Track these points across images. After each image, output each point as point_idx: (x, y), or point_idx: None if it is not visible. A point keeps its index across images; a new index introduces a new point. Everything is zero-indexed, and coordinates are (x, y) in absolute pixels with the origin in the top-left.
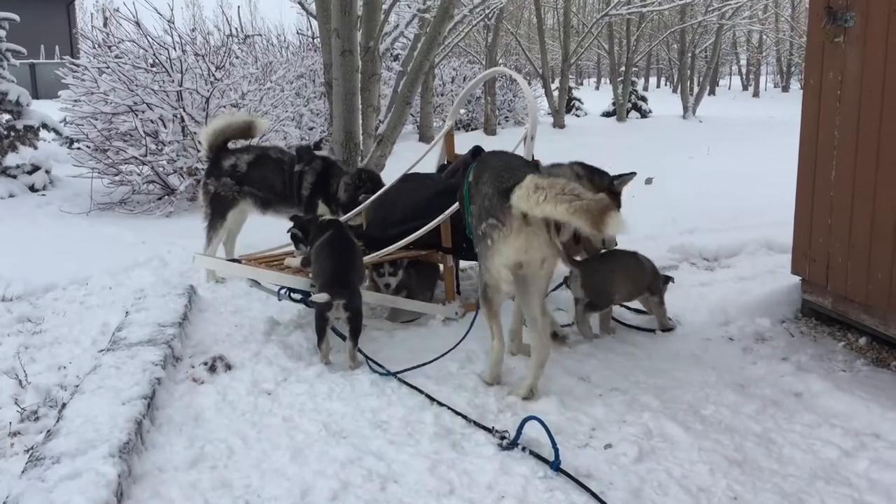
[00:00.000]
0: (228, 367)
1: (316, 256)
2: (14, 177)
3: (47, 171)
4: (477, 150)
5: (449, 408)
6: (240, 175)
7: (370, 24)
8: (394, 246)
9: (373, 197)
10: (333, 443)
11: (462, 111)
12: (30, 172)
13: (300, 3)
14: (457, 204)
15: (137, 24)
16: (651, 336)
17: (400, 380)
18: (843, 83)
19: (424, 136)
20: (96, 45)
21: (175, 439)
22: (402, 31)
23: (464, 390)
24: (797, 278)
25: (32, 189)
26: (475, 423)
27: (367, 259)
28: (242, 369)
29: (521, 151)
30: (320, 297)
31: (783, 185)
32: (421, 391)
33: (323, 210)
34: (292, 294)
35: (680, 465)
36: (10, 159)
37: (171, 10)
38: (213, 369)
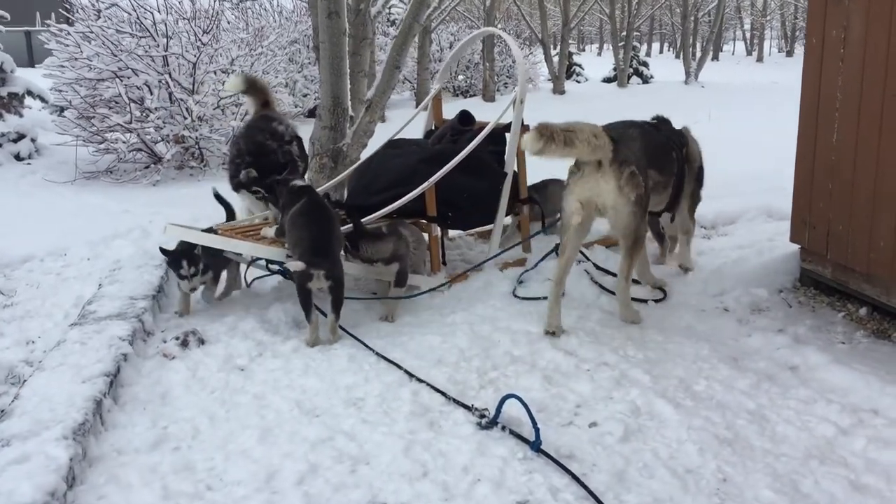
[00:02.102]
0: (202, 341)
1: (291, 225)
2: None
3: (33, 140)
4: (464, 115)
5: (428, 384)
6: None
7: None
8: (376, 214)
9: (355, 165)
10: (305, 422)
11: (460, 77)
12: (15, 141)
13: None
14: (443, 170)
15: None
16: (643, 307)
17: (378, 354)
18: (846, 41)
19: (421, 102)
20: (79, 9)
21: (138, 419)
22: None
23: (444, 365)
24: (796, 246)
25: (18, 158)
26: (454, 400)
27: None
28: (216, 344)
29: (510, 115)
30: (296, 265)
31: (785, 151)
32: (399, 366)
33: None
34: (269, 265)
35: (667, 444)
36: None
37: None
38: (185, 344)
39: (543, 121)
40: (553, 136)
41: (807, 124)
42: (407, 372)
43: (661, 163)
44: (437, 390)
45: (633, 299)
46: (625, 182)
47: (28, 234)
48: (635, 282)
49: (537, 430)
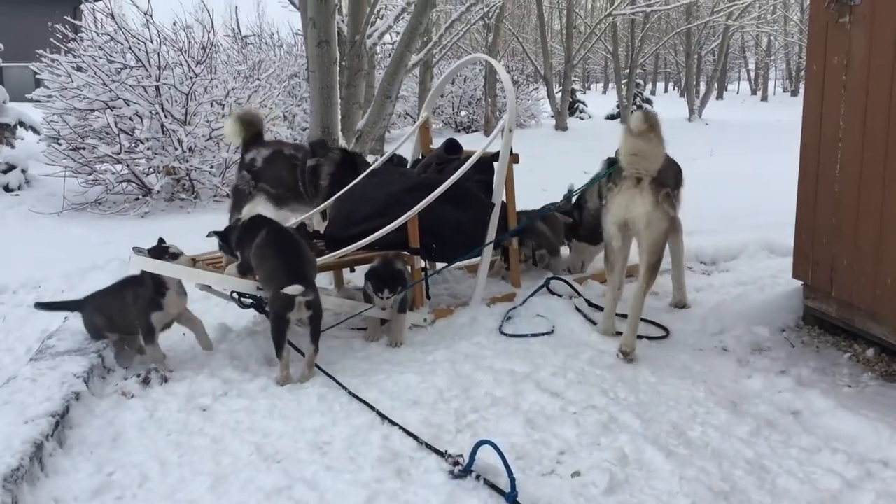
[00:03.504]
0: (164, 379)
1: (259, 260)
2: None
3: (23, 171)
4: (451, 144)
5: (400, 427)
6: (256, 170)
7: (356, 17)
8: (353, 246)
9: (338, 194)
10: (263, 468)
11: (462, 113)
12: (5, 171)
13: None
14: (426, 200)
15: (112, 16)
16: (639, 345)
17: (351, 394)
18: (849, 68)
19: (427, 124)
20: (69, 40)
21: (82, 464)
22: (391, 24)
23: (421, 406)
24: (799, 283)
25: (7, 189)
26: (427, 445)
27: (320, 261)
28: (180, 382)
29: (497, 144)
30: (294, 288)
31: (787, 186)
32: (372, 407)
33: None
34: (242, 298)
35: (657, 497)
36: None
37: (149, 4)
38: (146, 381)
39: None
40: (652, 126)
41: (808, 156)
42: (379, 413)
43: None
44: (410, 434)
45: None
46: (662, 199)
47: (3, 265)
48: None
49: (513, 481)
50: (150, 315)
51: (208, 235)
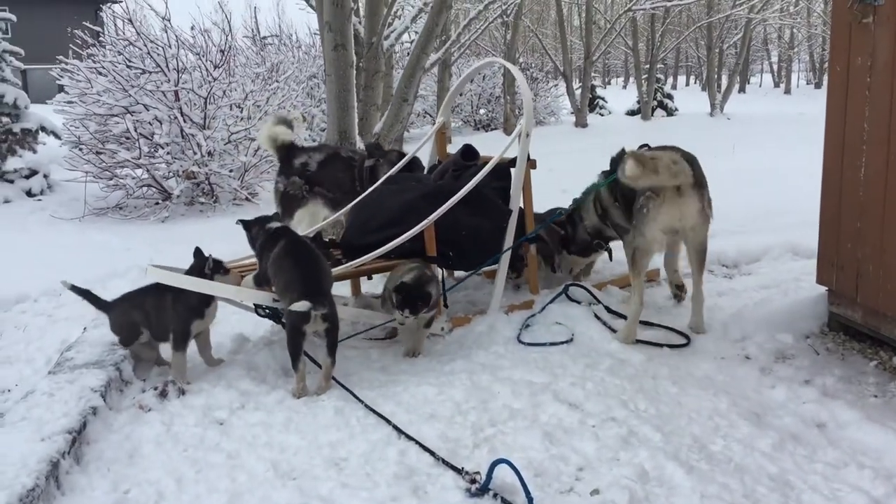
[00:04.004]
0: (182, 391)
1: (276, 270)
2: (11, 181)
3: (45, 176)
4: (467, 150)
5: (417, 442)
6: (310, 174)
7: (373, 19)
8: (370, 255)
9: (353, 202)
10: (279, 485)
11: (482, 111)
12: (27, 177)
13: None
14: (443, 208)
15: (131, 21)
16: (659, 352)
17: (368, 407)
18: (873, 69)
19: (444, 129)
20: (88, 45)
21: (99, 481)
22: (408, 25)
23: (437, 420)
24: (823, 288)
25: (29, 194)
26: (443, 461)
27: (336, 271)
28: (197, 394)
29: (514, 150)
30: (301, 304)
31: (811, 184)
32: (388, 421)
33: None
34: (258, 310)
35: None
36: (10, 163)
37: (167, 7)
38: (163, 394)
39: (632, 150)
40: (645, 165)
41: (832, 159)
42: (396, 427)
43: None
44: (427, 449)
45: (649, 343)
46: (706, 203)
47: (25, 273)
48: (652, 324)
49: (531, 501)
50: (190, 322)
51: (237, 222)
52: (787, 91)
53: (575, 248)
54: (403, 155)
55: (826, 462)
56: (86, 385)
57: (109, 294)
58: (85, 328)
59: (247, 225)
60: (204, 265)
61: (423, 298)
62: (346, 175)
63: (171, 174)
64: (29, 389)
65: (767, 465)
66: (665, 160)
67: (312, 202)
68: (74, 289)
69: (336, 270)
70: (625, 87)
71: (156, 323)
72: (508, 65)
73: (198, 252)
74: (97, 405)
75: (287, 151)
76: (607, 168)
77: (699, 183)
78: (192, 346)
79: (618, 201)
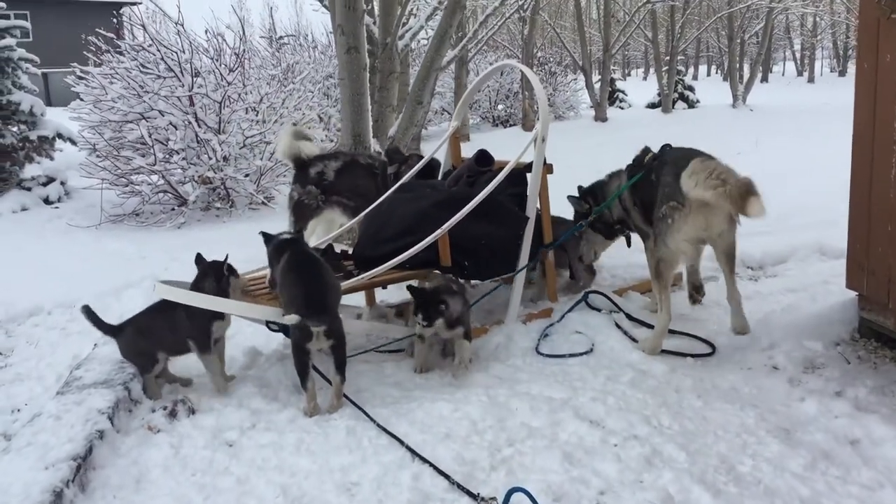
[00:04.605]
0: (192, 410)
1: (281, 284)
2: (29, 189)
3: (62, 183)
4: (482, 155)
5: (431, 464)
6: (327, 183)
7: (387, 19)
8: (383, 266)
9: (364, 211)
10: None
11: (500, 106)
12: (44, 184)
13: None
14: (457, 216)
15: (144, 27)
16: (683, 363)
17: (381, 427)
18: None
19: (458, 133)
20: (102, 52)
21: None
22: (423, 25)
23: (453, 440)
24: (853, 292)
25: (47, 201)
26: (459, 486)
27: (348, 284)
28: (208, 413)
29: (530, 154)
30: (290, 318)
31: (837, 180)
32: (402, 442)
33: None
34: (269, 325)
35: None
36: (28, 171)
37: (180, 12)
38: (173, 414)
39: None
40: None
41: (861, 160)
42: (409, 449)
43: None
44: (442, 473)
45: (672, 353)
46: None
47: (39, 284)
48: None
49: None
50: (211, 324)
51: (260, 233)
52: (811, 80)
53: (600, 226)
54: (421, 157)
55: (861, 483)
56: (93, 407)
57: (123, 306)
58: (96, 344)
59: (267, 238)
60: (207, 273)
61: (437, 307)
62: (368, 182)
63: (186, 179)
64: (36, 412)
65: (799, 487)
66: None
67: (329, 211)
68: (87, 312)
69: (350, 282)
70: (645, 78)
71: (172, 340)
72: (524, 67)
73: (199, 259)
74: (104, 428)
75: (305, 161)
76: (631, 163)
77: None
78: (201, 366)
79: (637, 206)
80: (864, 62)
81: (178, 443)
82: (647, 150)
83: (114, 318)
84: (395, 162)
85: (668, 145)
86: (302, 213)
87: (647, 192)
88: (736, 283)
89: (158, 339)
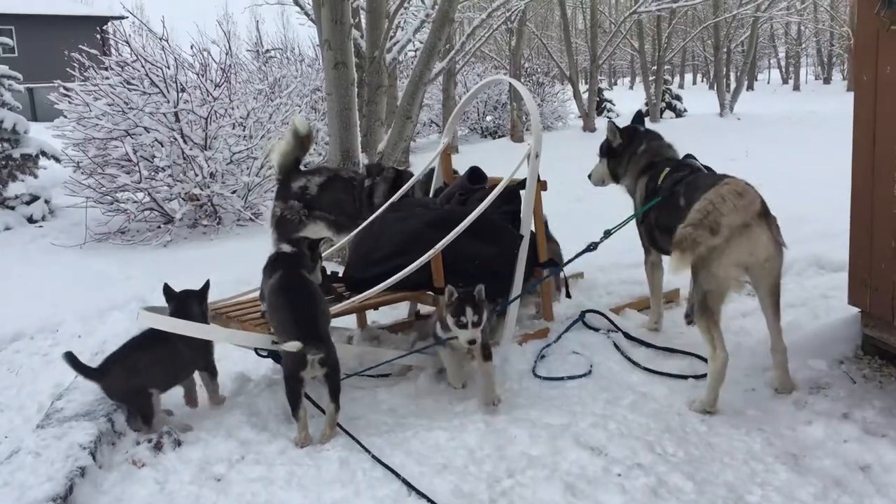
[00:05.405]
0: (178, 442)
1: (270, 306)
2: (12, 208)
3: (46, 201)
4: (474, 172)
5: (428, 500)
6: (309, 198)
7: (374, 32)
8: (375, 289)
9: (354, 231)
10: None
11: (488, 118)
12: (28, 203)
13: (305, 13)
14: (450, 236)
15: (128, 43)
16: (684, 384)
17: (375, 458)
18: None
19: (449, 149)
20: (86, 68)
21: None
22: (410, 38)
23: (450, 471)
24: (855, 308)
25: (31, 220)
26: None
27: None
28: (194, 445)
29: (524, 171)
30: (292, 345)
31: (832, 191)
32: (398, 475)
33: None
34: (258, 351)
35: None
36: (12, 189)
37: (164, 28)
38: (158, 447)
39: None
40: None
41: (862, 173)
42: (405, 482)
43: None
44: None
45: (669, 375)
46: (776, 231)
47: (22, 307)
48: (674, 351)
49: None
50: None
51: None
52: (797, 87)
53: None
54: (400, 172)
55: None
56: (74, 441)
57: (108, 329)
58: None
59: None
60: (180, 305)
61: (483, 307)
62: (348, 196)
63: (172, 197)
64: (14, 448)
65: None
66: (728, 205)
67: (312, 226)
68: (70, 358)
69: (341, 306)
70: (631, 87)
71: (172, 373)
72: (515, 82)
73: (167, 289)
74: (85, 465)
75: (287, 175)
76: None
77: (766, 210)
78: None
79: (658, 229)
80: (863, 75)
81: (163, 478)
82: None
83: (97, 344)
84: (372, 174)
85: (690, 155)
86: (284, 228)
87: (670, 216)
88: (782, 331)
89: (150, 376)
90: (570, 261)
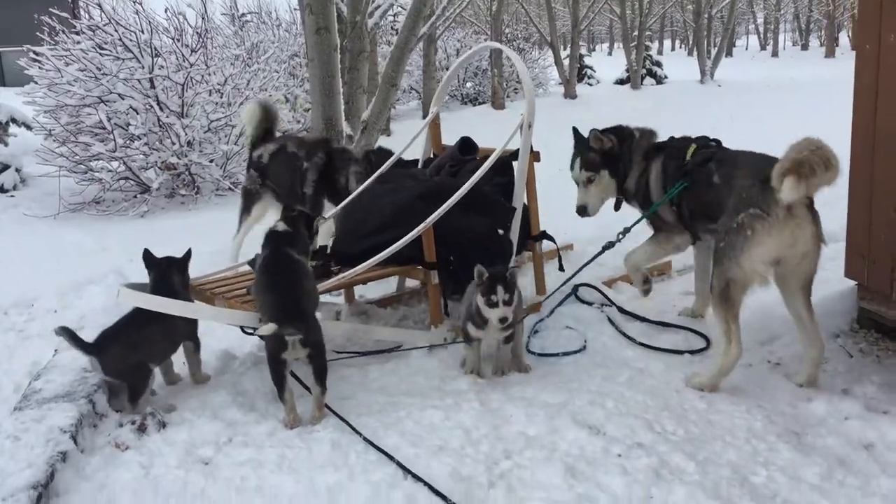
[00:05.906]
0: (163, 424)
1: (255, 284)
2: None
3: (17, 170)
4: (465, 143)
5: (425, 483)
6: (262, 167)
7: None
8: (364, 264)
9: (341, 204)
10: None
11: (468, 84)
12: None
13: None
14: (441, 209)
15: (100, 6)
16: (680, 359)
17: (368, 441)
18: None
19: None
20: (56, 33)
21: None
22: (392, 2)
23: (447, 453)
24: (851, 281)
25: (2, 190)
26: None
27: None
28: (179, 426)
29: (517, 141)
30: (267, 328)
31: None
32: (392, 458)
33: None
34: (244, 329)
35: None
36: None
37: None
38: (142, 429)
39: (795, 156)
40: (814, 169)
41: (862, 146)
42: (400, 465)
43: None
44: (438, 493)
45: (666, 350)
46: (818, 225)
47: None
48: (668, 325)
49: None
50: None
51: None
52: (775, 54)
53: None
54: (334, 153)
55: (882, 495)
56: (54, 425)
57: (85, 303)
58: (56, 350)
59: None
60: (165, 273)
61: (515, 287)
62: (289, 173)
63: (149, 166)
64: None
65: (818, 500)
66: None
67: (267, 197)
68: (64, 332)
69: (329, 282)
70: (610, 53)
71: (169, 345)
72: (509, 51)
73: (148, 256)
74: (67, 449)
75: (253, 143)
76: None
77: (811, 201)
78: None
79: (690, 212)
80: (865, 44)
81: (148, 462)
82: (686, 140)
83: (75, 318)
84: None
85: (716, 139)
86: (247, 199)
87: (703, 196)
88: (818, 326)
89: (149, 351)
90: (586, 264)
